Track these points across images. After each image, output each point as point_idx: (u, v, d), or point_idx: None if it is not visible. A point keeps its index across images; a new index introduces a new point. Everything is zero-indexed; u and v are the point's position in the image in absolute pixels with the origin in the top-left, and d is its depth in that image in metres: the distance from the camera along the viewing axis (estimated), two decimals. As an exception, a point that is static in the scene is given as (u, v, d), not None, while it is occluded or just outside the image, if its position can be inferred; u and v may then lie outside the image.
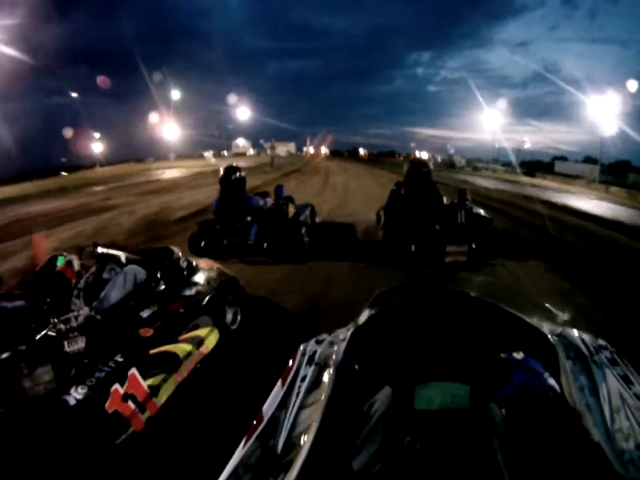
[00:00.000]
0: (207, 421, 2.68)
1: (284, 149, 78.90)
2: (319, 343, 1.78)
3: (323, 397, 1.36)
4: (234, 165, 7.26)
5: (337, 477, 1.05)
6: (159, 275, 3.37)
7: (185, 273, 3.61)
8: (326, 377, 1.51)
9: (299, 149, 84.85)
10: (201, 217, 8.74)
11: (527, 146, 48.23)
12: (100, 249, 3.28)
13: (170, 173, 27.07)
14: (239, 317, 3.89)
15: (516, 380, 1.21)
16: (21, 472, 2.05)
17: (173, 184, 19.91)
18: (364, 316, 1.86)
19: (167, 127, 40.99)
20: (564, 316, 2.06)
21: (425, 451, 1.11)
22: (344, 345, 1.64)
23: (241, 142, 78.05)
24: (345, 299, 4.61)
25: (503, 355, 1.34)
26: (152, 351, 2.73)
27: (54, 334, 2.55)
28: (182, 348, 2.90)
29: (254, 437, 1.32)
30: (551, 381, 1.22)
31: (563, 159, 43.50)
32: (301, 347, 1.78)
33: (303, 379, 1.53)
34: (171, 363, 2.79)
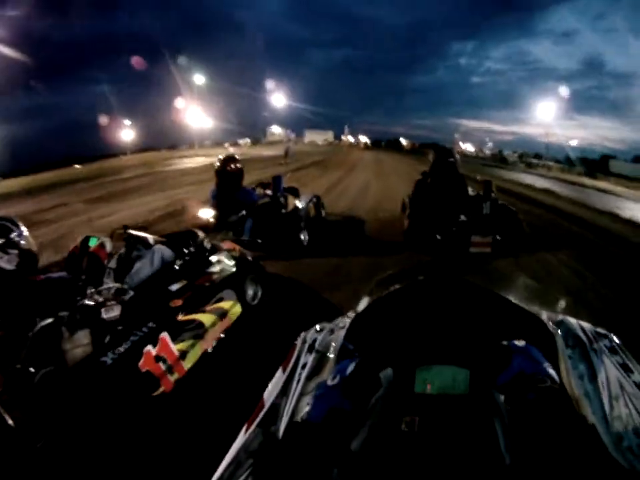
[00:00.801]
0: (224, 391, 2.84)
1: (321, 138, 79.63)
2: (319, 331, 1.80)
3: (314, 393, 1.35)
4: (231, 155, 7.05)
5: (336, 457, 1.04)
6: (184, 254, 3.61)
7: (209, 252, 3.84)
8: (326, 364, 1.54)
9: (338, 137, 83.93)
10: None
11: (574, 142, 47.04)
12: (130, 231, 3.57)
13: (185, 163, 25.91)
14: (259, 294, 4.09)
15: (516, 367, 1.19)
16: (64, 426, 2.31)
17: (164, 177, 18.70)
18: (363, 303, 1.88)
19: (200, 115, 41.56)
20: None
21: (423, 433, 1.13)
22: (343, 332, 1.66)
23: (276, 130, 76.72)
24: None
25: (504, 343, 1.31)
26: (181, 317, 2.99)
27: (92, 303, 2.79)
28: (208, 317, 3.15)
29: (255, 423, 1.34)
30: (551, 370, 1.19)
31: (612, 157, 42.38)
32: (302, 335, 1.80)
33: (304, 367, 1.55)
34: (198, 330, 3.04)
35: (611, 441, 1.11)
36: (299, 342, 1.74)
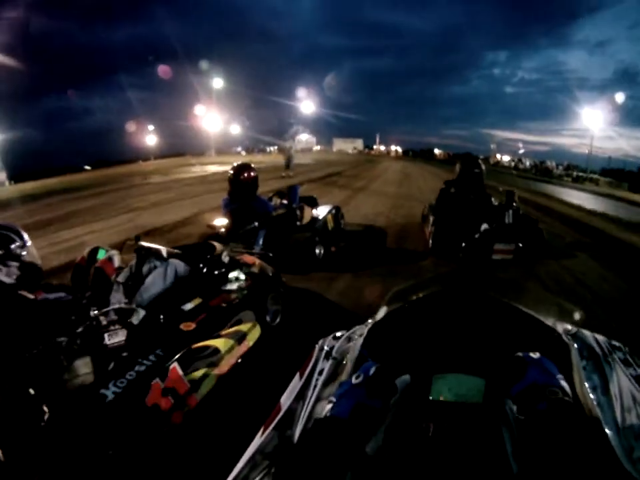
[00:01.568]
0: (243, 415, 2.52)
1: (350, 146, 77.63)
2: (336, 338, 1.83)
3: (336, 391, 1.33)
4: (246, 163, 6.66)
5: (351, 460, 1.03)
6: (200, 269, 3.31)
7: (227, 268, 3.52)
8: (343, 371, 1.55)
9: (369, 146, 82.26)
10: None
11: (610, 154, 43.51)
12: (142, 243, 3.26)
13: (195, 171, 23.65)
14: (280, 314, 3.76)
15: (530, 378, 1.19)
16: (57, 464, 2.02)
17: (159, 189, 15.88)
18: (381, 312, 1.87)
19: (230, 122, 42.01)
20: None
21: (436, 439, 1.13)
22: (361, 340, 1.66)
23: (304, 137, 72.16)
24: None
25: (519, 354, 1.30)
26: (194, 346, 2.66)
27: (94, 326, 2.52)
28: (224, 343, 2.81)
29: (271, 426, 1.37)
30: (563, 382, 1.18)
31: None
32: (319, 342, 1.83)
33: (320, 373, 1.58)
34: (213, 357, 2.70)
35: (623, 451, 1.11)
36: (316, 349, 1.76)
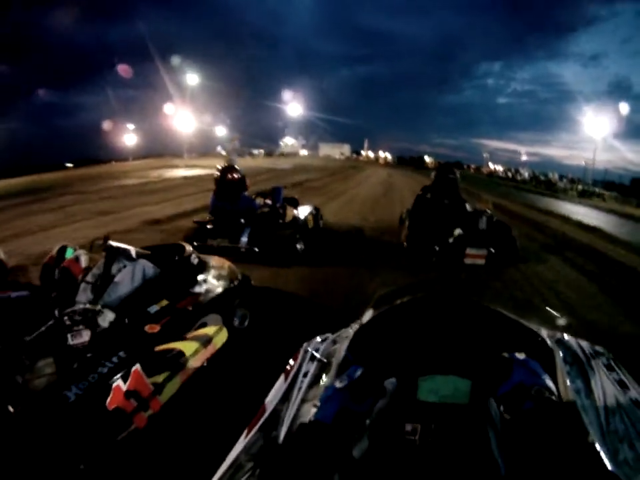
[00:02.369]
0: (208, 419, 2.59)
1: (337, 151, 76.48)
2: (321, 341, 1.85)
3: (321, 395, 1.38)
4: (232, 165, 7.11)
5: (337, 464, 1.04)
6: (169, 271, 3.30)
7: (196, 270, 3.53)
8: (328, 373, 1.56)
9: (357, 152, 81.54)
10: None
11: (607, 166, 42.54)
12: (111, 242, 3.24)
13: (164, 175, 20.54)
14: (247, 318, 3.77)
15: (515, 379, 1.23)
16: (18, 467, 1.97)
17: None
18: (367, 315, 1.89)
19: (216, 125, 40.46)
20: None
21: (423, 441, 1.15)
22: (347, 342, 1.68)
23: (289, 141, 73.91)
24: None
25: (505, 355, 1.35)
26: (157, 348, 2.65)
27: (58, 326, 2.49)
28: (188, 346, 2.80)
29: (256, 427, 1.37)
30: (549, 383, 1.23)
31: None
32: (304, 345, 1.84)
33: (305, 375, 1.59)
34: (177, 360, 2.69)
35: (608, 454, 1.13)
36: (301, 351, 1.78)
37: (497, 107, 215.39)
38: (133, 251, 3.26)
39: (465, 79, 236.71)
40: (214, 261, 3.92)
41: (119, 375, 2.37)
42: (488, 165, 69.68)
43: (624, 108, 30.98)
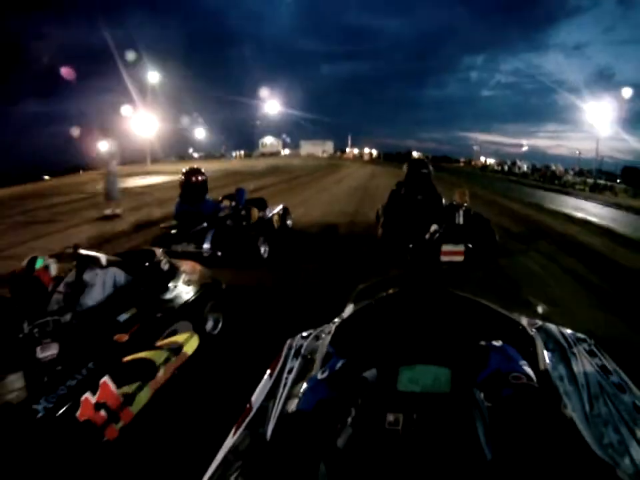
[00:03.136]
0: (182, 427, 2.58)
1: (319, 149, 73.54)
2: (304, 337, 1.88)
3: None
4: (196, 167, 6.99)
5: (323, 452, 1.06)
6: (139, 278, 3.28)
7: (166, 275, 3.51)
8: (312, 368, 1.58)
9: (342, 149, 78.12)
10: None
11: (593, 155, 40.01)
12: (81, 251, 3.22)
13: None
14: (220, 323, 3.77)
15: (493, 365, 1.23)
16: None
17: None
18: (348, 310, 1.93)
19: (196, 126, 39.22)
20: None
21: (407, 429, 1.17)
22: (329, 337, 1.70)
23: (268, 140, 71.55)
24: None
25: (482, 343, 1.36)
26: (127, 358, 2.63)
27: (27, 339, 2.47)
28: (159, 354, 2.80)
29: (243, 425, 1.39)
30: (527, 368, 1.23)
31: (635, 169, 35.95)
32: (288, 342, 1.88)
33: (290, 371, 1.63)
34: (147, 370, 2.69)
35: (593, 438, 1.17)
36: (285, 348, 1.82)
37: (482, 100, 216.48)
38: (103, 258, 3.22)
39: (448, 73, 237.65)
40: (185, 265, 3.90)
41: (88, 387, 2.36)
42: (479, 158, 66.32)
43: (626, 93, 28.50)
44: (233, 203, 7.17)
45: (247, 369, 2.15)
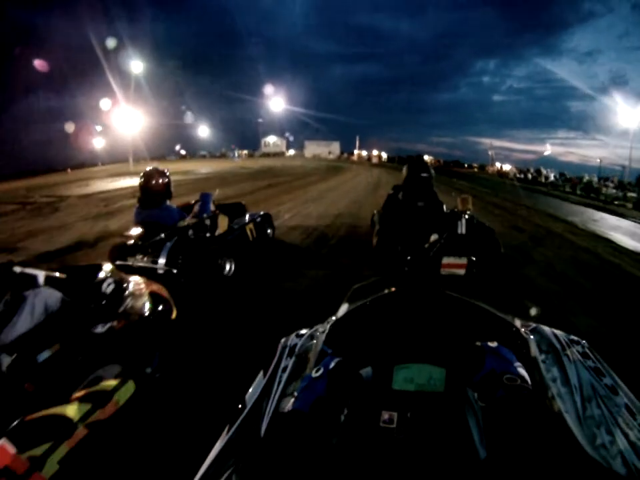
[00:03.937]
0: None
1: (325, 150, 71.77)
2: (299, 336, 1.85)
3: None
4: (157, 168, 5.85)
5: (317, 450, 1.05)
6: (76, 301, 2.74)
7: (106, 300, 2.92)
8: (306, 367, 1.58)
9: (350, 151, 74.21)
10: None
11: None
12: (16, 268, 2.69)
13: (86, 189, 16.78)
14: (166, 363, 3.10)
15: (488, 366, 1.25)
16: None
17: None
18: (342, 309, 1.93)
19: (201, 124, 38.34)
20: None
21: (400, 428, 1.18)
22: (323, 336, 1.72)
23: (271, 139, 69.83)
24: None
25: (478, 343, 1.38)
26: (32, 416, 2.08)
27: None
28: (76, 408, 2.24)
29: (237, 423, 1.38)
30: (521, 370, 1.25)
31: None
32: (282, 341, 1.85)
33: (284, 370, 1.61)
34: (60, 428, 2.15)
35: (586, 439, 1.18)
36: (279, 347, 1.80)
37: (493, 105, 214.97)
38: (41, 276, 2.73)
39: (460, 77, 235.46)
40: (136, 285, 3.33)
41: None
42: (494, 164, 61.08)
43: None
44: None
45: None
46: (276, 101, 50.47)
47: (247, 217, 7.11)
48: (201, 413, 2.72)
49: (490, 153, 65.98)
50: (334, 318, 1.88)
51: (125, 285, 3.19)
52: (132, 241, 5.38)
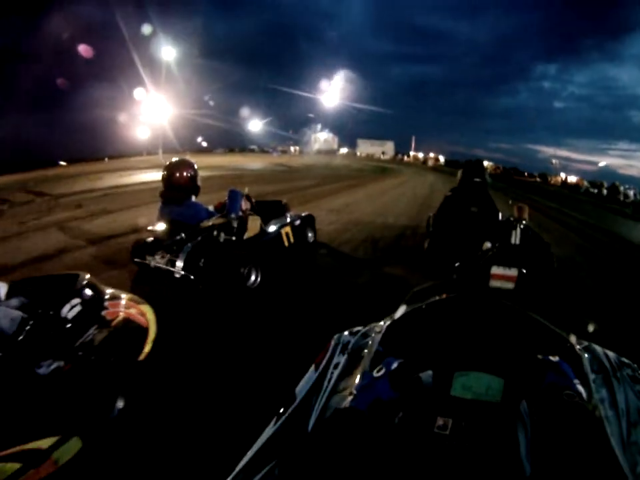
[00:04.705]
0: None
1: (378, 150, 69.31)
2: (352, 334, 1.84)
3: (356, 383, 1.39)
4: (184, 159, 5.34)
5: (368, 452, 0.99)
6: (34, 321, 2.28)
7: (66, 329, 2.42)
8: (358, 366, 1.56)
9: (405, 152, 70.88)
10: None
11: None
12: None
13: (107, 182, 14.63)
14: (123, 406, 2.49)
15: (547, 380, 1.23)
16: None
17: None
18: (400, 311, 1.88)
19: (253, 121, 38.37)
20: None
21: (454, 436, 1.16)
22: (379, 336, 1.71)
23: (322, 136, 64.31)
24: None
25: (539, 357, 1.36)
26: None
27: None
28: (1, 469, 1.78)
29: (285, 415, 1.37)
30: (580, 387, 1.24)
31: None
32: (335, 337, 1.84)
33: (336, 366, 1.61)
34: None
35: (628, 464, 1.14)
36: (332, 343, 1.79)
37: (553, 112, 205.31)
38: (2, 287, 2.37)
39: (519, 82, 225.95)
40: (111, 307, 2.83)
41: None
42: (558, 174, 56.13)
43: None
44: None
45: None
46: (329, 97, 49.38)
47: (286, 218, 6.33)
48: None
49: (554, 162, 62.66)
50: (390, 319, 1.85)
51: (94, 309, 2.70)
52: (151, 238, 5.01)
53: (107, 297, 2.92)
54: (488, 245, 5.37)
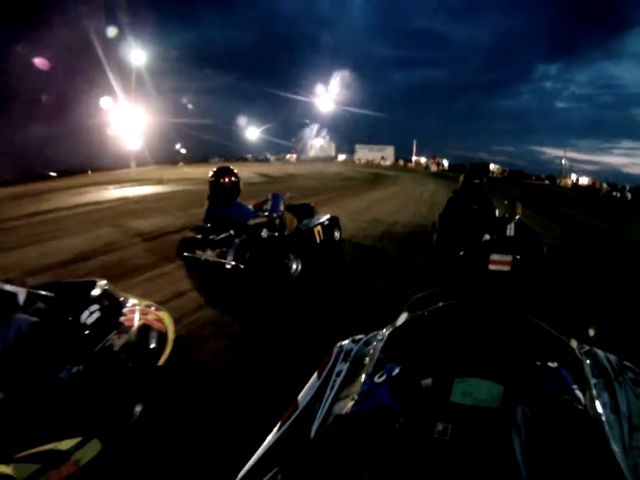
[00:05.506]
0: None
1: (377, 155, 65.76)
2: (355, 342, 1.85)
3: (358, 390, 1.40)
4: (228, 167, 6.17)
5: (369, 457, 1.03)
6: (47, 332, 2.34)
7: (85, 335, 2.48)
8: (361, 373, 1.57)
9: (407, 158, 67.06)
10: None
11: None
12: (3, 286, 2.40)
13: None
14: (138, 412, 2.56)
15: (546, 387, 1.24)
16: None
17: None
18: (402, 318, 1.90)
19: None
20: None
21: (453, 441, 1.16)
22: (381, 343, 1.72)
23: (318, 142, 63.36)
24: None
25: (537, 363, 1.36)
26: None
27: None
28: (22, 469, 1.85)
29: (288, 422, 1.39)
30: (578, 393, 1.23)
31: None
32: (337, 345, 1.84)
33: (339, 374, 1.61)
34: None
35: (629, 470, 1.15)
36: (334, 351, 1.80)
37: (556, 112, 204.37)
38: (21, 294, 2.41)
39: (521, 83, 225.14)
40: (129, 314, 2.88)
41: None
42: (568, 177, 53.41)
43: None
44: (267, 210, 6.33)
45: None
46: (326, 103, 49.02)
47: (315, 218, 7.27)
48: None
49: (563, 162, 60.49)
50: (391, 326, 1.87)
51: (112, 315, 2.76)
52: (200, 235, 5.76)
53: (124, 303, 3.01)
54: (487, 236, 6.19)
